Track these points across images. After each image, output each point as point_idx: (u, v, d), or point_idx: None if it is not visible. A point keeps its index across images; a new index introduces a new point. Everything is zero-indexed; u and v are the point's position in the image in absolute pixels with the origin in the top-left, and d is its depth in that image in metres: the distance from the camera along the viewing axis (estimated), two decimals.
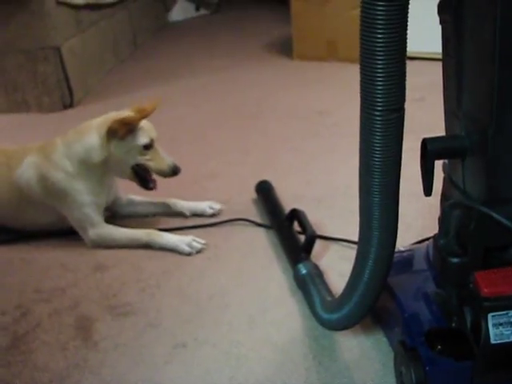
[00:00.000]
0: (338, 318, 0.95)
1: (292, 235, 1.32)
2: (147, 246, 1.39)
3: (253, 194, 1.57)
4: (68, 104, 2.57)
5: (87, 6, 2.84)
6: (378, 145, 0.76)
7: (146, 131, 1.41)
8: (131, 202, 1.56)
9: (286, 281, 1.23)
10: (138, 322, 1.15)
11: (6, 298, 1.26)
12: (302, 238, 1.28)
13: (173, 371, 1.02)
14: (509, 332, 0.82)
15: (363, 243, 0.85)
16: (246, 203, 1.56)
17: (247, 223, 1.46)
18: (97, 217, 1.43)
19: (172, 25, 4.27)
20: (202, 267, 1.31)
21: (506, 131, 0.78)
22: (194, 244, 1.36)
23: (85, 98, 2.65)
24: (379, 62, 0.71)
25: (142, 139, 1.40)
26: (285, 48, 3.01)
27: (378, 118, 0.75)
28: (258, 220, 1.47)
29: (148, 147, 1.41)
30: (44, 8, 2.40)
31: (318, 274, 1.17)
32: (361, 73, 0.75)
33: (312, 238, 1.24)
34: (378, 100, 0.74)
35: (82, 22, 2.79)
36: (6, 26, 2.42)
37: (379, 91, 0.73)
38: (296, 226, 1.34)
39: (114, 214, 1.54)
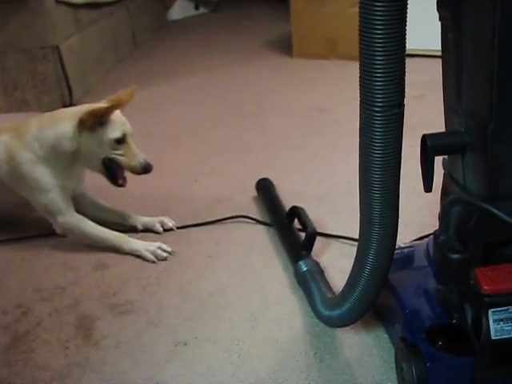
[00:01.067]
0: (339, 314, 0.95)
1: (292, 232, 1.32)
2: (114, 249, 1.38)
3: (253, 192, 1.57)
4: (67, 103, 2.56)
5: (86, 5, 2.84)
6: (377, 141, 0.76)
7: (119, 125, 1.37)
8: (93, 204, 1.52)
9: (286, 278, 1.23)
10: (138, 320, 1.15)
11: (7, 297, 1.26)
12: (303, 235, 1.28)
13: (174, 369, 1.02)
14: (509, 328, 0.82)
15: (363, 240, 0.85)
16: (246, 201, 1.56)
17: (248, 221, 1.46)
18: (63, 203, 1.40)
19: (171, 23, 4.26)
20: (203, 265, 1.31)
21: (505, 127, 0.78)
22: (159, 252, 1.34)
23: (84, 96, 2.64)
24: (378, 58, 0.71)
25: (114, 132, 1.35)
26: (284, 46, 3.01)
27: (377, 115, 0.75)
28: (259, 217, 1.47)
29: (120, 141, 1.36)
30: (43, 7, 2.40)
31: (318, 271, 1.17)
32: (360, 69, 0.74)
33: (312, 235, 1.24)
34: (378, 96, 0.73)
35: (81, 20, 2.79)
36: (6, 25, 2.42)
37: (379, 87, 0.73)
38: (296, 224, 1.34)
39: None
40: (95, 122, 1.34)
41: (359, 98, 0.76)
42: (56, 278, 1.32)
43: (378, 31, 0.70)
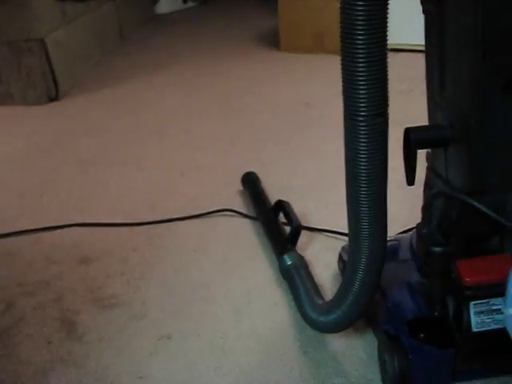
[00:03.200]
0: (325, 321, 0.95)
1: (277, 226, 1.32)
2: None
3: (239, 186, 1.57)
4: (53, 97, 2.54)
5: None
6: (363, 152, 0.74)
7: None
8: None
9: (271, 272, 1.23)
10: (122, 314, 1.15)
11: None
12: (288, 229, 1.28)
13: (158, 363, 1.02)
14: (490, 320, 0.83)
15: (353, 253, 0.83)
16: (232, 194, 1.56)
17: (233, 214, 1.46)
18: None
19: (159, 17, 4.24)
20: (187, 259, 1.31)
21: (487, 121, 0.78)
22: None
23: (70, 90, 2.63)
24: (360, 65, 0.69)
25: None
26: (272, 40, 3.00)
27: (361, 124, 0.73)
28: (244, 211, 1.46)
29: None
30: None
31: (303, 265, 1.17)
32: (342, 78, 0.73)
33: (297, 228, 1.24)
34: (362, 105, 0.72)
35: (67, 13, 2.77)
36: None
37: (362, 96, 0.71)
38: (282, 218, 1.34)
39: None
40: None
41: (343, 108, 0.75)
42: (40, 272, 1.31)
43: (360, 38, 0.68)
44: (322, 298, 1.04)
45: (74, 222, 1.48)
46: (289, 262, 1.16)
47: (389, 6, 0.68)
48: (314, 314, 0.99)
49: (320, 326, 0.97)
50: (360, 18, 0.67)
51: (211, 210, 1.47)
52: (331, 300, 0.93)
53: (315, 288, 1.08)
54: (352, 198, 0.79)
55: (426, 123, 0.92)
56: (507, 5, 0.72)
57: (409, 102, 1.95)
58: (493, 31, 0.73)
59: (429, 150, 0.94)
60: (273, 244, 1.29)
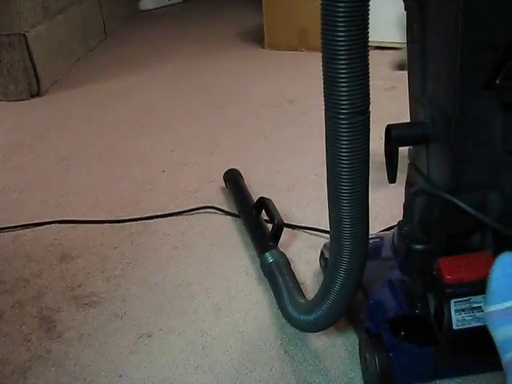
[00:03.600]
0: (307, 320, 0.94)
1: (259, 224, 1.31)
2: None
3: (221, 183, 1.56)
4: (35, 93, 2.51)
5: None
6: (344, 151, 0.73)
7: None
8: None
9: (253, 269, 1.22)
10: (102, 312, 1.14)
11: None
12: (270, 226, 1.27)
13: (138, 361, 1.01)
14: (470, 318, 0.83)
15: (334, 252, 0.83)
16: (214, 192, 1.55)
17: (215, 211, 1.45)
18: None
19: (143, 13, 4.21)
20: (169, 256, 1.30)
21: (468, 118, 0.78)
22: None
23: (52, 86, 2.60)
24: (341, 63, 0.69)
25: None
26: (256, 37, 2.99)
27: (343, 122, 0.72)
28: (227, 208, 1.46)
29: None
30: None
31: (285, 262, 1.16)
32: (323, 76, 0.72)
33: (279, 226, 1.24)
34: (343, 103, 0.71)
35: (49, 8, 2.74)
36: None
37: (343, 93, 0.70)
38: (264, 215, 1.33)
39: None
40: None
41: (324, 106, 0.74)
42: (19, 269, 1.29)
43: (341, 35, 0.68)
44: (303, 296, 1.04)
45: (54, 219, 1.46)
46: (270, 260, 1.16)
47: (370, 5, 0.67)
48: (296, 312, 0.98)
49: (301, 324, 0.97)
50: (340, 16, 0.66)
51: (193, 207, 1.46)
52: (313, 299, 0.93)
53: (297, 286, 1.08)
54: (333, 197, 0.78)
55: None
56: (488, 4, 0.72)
57: (393, 100, 1.95)
58: (473, 30, 0.73)
59: (411, 147, 0.94)
60: (254, 242, 1.28)
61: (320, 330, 0.99)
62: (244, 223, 1.36)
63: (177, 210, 1.46)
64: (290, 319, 1.01)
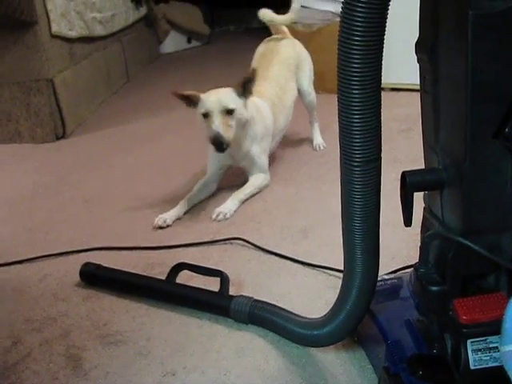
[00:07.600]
0: (319, 334, 1.01)
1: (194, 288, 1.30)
2: None
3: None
4: (60, 135, 2.60)
5: (80, 39, 2.91)
6: (357, 193, 0.83)
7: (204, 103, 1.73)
8: None
9: None
10: (128, 350, 1.17)
11: None
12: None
13: None
14: (487, 358, 0.85)
15: (347, 280, 0.92)
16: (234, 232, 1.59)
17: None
18: None
19: (164, 56, 4.33)
20: None
21: (479, 165, 0.82)
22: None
23: (77, 129, 2.68)
24: (356, 118, 0.78)
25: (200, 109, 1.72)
26: None
27: (356, 169, 0.81)
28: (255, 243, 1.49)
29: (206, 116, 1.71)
30: (39, 41, 2.46)
31: (260, 301, 1.19)
32: (339, 128, 0.81)
33: (227, 277, 1.25)
34: (356, 153, 0.80)
35: (75, 54, 2.84)
36: (1, 59, 2.47)
37: (357, 145, 0.80)
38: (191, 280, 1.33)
39: None
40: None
41: (339, 154, 0.83)
42: (46, 308, 1.33)
43: (355, 93, 0.77)
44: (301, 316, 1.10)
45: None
46: (247, 308, 1.18)
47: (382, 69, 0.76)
48: (307, 330, 1.04)
49: (315, 339, 1.03)
50: (355, 75, 0.76)
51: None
52: (325, 315, 1.00)
53: (288, 311, 1.14)
54: (347, 232, 0.88)
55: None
56: (495, 56, 0.76)
57: (409, 141, 1.98)
58: (481, 84, 0.77)
59: (426, 192, 0.97)
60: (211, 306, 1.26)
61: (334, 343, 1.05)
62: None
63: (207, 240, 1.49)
64: (301, 339, 1.07)
